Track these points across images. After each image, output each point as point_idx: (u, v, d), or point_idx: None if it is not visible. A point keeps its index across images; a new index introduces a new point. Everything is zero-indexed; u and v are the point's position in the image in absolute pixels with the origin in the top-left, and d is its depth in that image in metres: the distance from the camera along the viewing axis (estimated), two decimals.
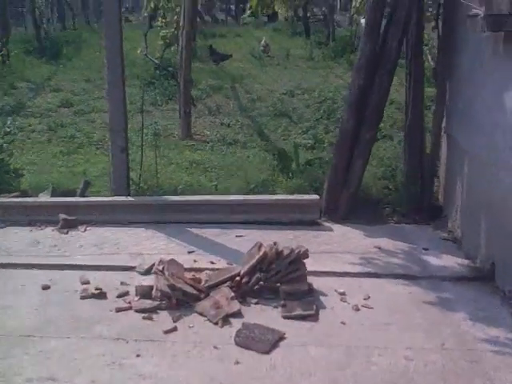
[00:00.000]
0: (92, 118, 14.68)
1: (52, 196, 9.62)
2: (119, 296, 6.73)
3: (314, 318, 6.38)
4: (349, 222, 9.29)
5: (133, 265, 7.57)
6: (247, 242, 8.25)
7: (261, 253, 6.76)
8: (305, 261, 7.01)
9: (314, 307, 6.43)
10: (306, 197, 9.41)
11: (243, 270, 6.78)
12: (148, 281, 6.90)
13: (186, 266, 7.40)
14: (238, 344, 5.76)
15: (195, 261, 7.75)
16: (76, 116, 15.03)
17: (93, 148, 12.72)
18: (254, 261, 6.75)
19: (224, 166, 11.17)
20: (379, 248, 8.30)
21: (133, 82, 15.80)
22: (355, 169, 9.29)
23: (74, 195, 9.62)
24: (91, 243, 8.34)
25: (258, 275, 6.69)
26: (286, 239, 8.37)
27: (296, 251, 6.77)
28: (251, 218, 9.18)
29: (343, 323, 6.26)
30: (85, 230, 8.78)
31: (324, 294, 6.85)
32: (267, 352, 5.68)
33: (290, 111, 15.22)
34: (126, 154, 9.56)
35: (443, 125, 9.52)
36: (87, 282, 7.01)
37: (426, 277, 7.46)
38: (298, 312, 6.35)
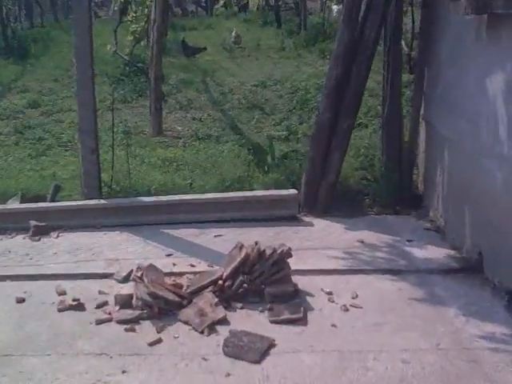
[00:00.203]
0: (60, 118, 14.21)
1: (21, 202, 9.21)
2: (98, 306, 6.39)
3: (302, 321, 6.09)
4: (329, 216, 9.03)
5: (110, 272, 7.21)
6: (226, 241, 7.99)
7: (242, 254, 6.46)
8: (288, 260, 6.67)
9: (302, 310, 6.15)
10: (283, 192, 9.10)
11: (225, 273, 6.47)
12: (127, 288, 6.56)
13: (165, 270, 7.06)
14: (226, 354, 5.46)
15: (174, 264, 7.41)
16: (44, 117, 14.55)
17: (62, 150, 12.28)
18: (235, 263, 6.44)
19: (198, 163, 10.84)
20: (362, 242, 8.04)
21: (102, 79, 15.39)
22: (333, 160, 9.02)
23: (44, 200, 9.21)
24: (65, 250, 7.96)
25: (241, 278, 6.42)
26: (266, 237, 8.07)
27: (279, 251, 6.46)
28: (229, 216, 8.89)
29: (334, 326, 6.00)
30: (57, 237, 8.39)
31: (311, 295, 6.56)
32: (258, 361, 5.40)
33: (263, 103, 14.92)
34: (96, 156, 9.19)
35: (421, 112, 9.22)
36: (64, 293, 6.65)
37: (413, 271, 7.23)
38: (286, 316, 6.07)
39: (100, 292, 6.69)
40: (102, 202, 8.99)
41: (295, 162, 10.45)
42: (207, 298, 6.21)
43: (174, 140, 12.83)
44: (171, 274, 7.13)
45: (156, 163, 11.04)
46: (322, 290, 6.68)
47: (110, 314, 6.22)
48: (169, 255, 7.74)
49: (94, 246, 8.05)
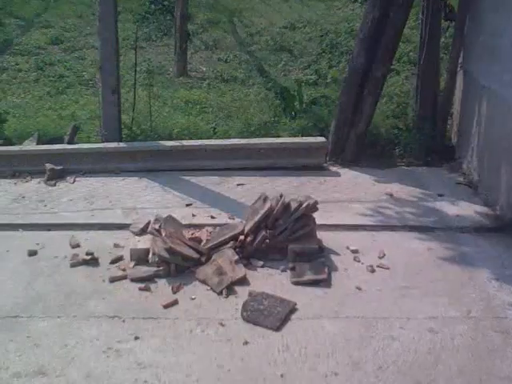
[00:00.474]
0: (83, 55, 13.71)
1: (38, 143, 8.82)
2: (113, 262, 6.04)
3: (326, 282, 5.70)
4: (357, 166, 8.62)
5: (126, 222, 6.85)
6: (249, 191, 7.65)
7: (266, 207, 6.01)
8: (313, 214, 6.30)
9: (326, 270, 5.70)
10: (311, 139, 8.63)
11: (247, 227, 6.05)
12: (143, 242, 6.20)
13: (184, 221, 6.69)
14: (245, 319, 5.10)
15: (194, 215, 7.01)
16: (66, 54, 14.02)
17: (82, 88, 11.80)
18: (258, 217, 6.01)
19: (222, 107, 10.33)
20: (391, 195, 7.58)
21: (126, 16, 14.76)
22: (365, 107, 8.54)
23: (61, 142, 8.78)
24: (81, 197, 7.60)
25: (263, 233, 6.01)
26: (291, 187, 7.71)
27: (304, 205, 6.02)
28: (253, 163, 8.47)
29: (358, 288, 5.59)
30: (73, 182, 8.02)
31: (335, 253, 6.14)
32: (278, 328, 5.03)
33: (291, 45, 14.25)
34: (117, 96, 8.77)
35: (460, 60, 8.60)
36: (77, 246, 6.31)
37: (443, 228, 6.81)
38: (309, 277, 5.66)
39: (115, 245, 6.34)
40: (122, 145, 8.59)
41: (324, 108, 9.93)
42: (227, 255, 5.80)
43: (199, 81, 12.31)
44: (190, 225, 6.74)
45: (179, 105, 10.59)
46: (347, 247, 6.27)
47: (124, 270, 5.86)
48: (188, 205, 7.34)
49: (111, 193, 7.68)
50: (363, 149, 8.77)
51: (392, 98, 10.20)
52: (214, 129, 9.17)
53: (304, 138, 8.75)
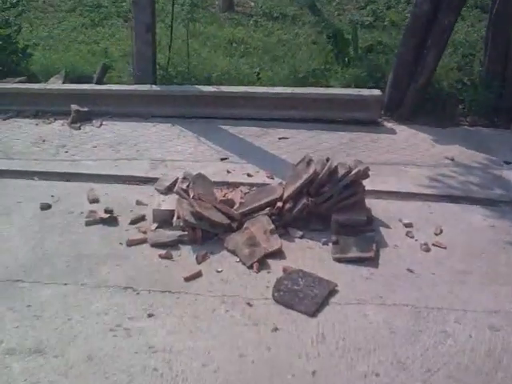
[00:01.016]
0: None
1: (64, 82, 8.36)
2: (133, 222, 5.60)
3: (373, 261, 5.16)
4: (415, 123, 8.01)
5: (153, 176, 6.42)
6: (292, 146, 7.20)
7: (310, 171, 5.48)
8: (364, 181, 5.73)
9: (374, 247, 5.13)
10: (365, 91, 8.02)
11: (286, 192, 5.53)
12: (169, 202, 5.76)
13: (216, 178, 6.24)
14: (277, 301, 4.61)
15: (228, 172, 6.55)
16: None
17: (121, 21, 11.21)
18: (300, 181, 5.49)
19: (269, 49, 9.62)
20: (452, 160, 6.99)
21: None
22: (427, 60, 7.89)
23: (90, 81, 8.28)
24: (106, 143, 7.18)
25: (304, 201, 5.46)
26: (339, 144, 7.26)
27: (354, 171, 5.50)
28: (298, 114, 7.95)
29: (410, 271, 5.04)
30: (100, 125, 7.57)
31: (386, 226, 5.61)
32: (314, 314, 4.52)
33: None
34: (152, 34, 8.22)
35: None
36: (96, 201, 5.88)
37: (509, 202, 6.21)
38: (354, 254, 5.14)
39: (138, 202, 5.89)
40: (155, 87, 8.11)
41: (381, 56, 9.20)
42: (261, 223, 5.30)
43: (245, 17, 11.72)
44: (223, 184, 6.28)
45: (221, 44, 9.95)
46: (399, 220, 5.72)
47: (145, 232, 5.42)
48: (224, 159, 6.88)
49: (139, 141, 7.24)
50: (423, 104, 8.12)
51: (456, 48, 9.37)
52: (258, 74, 8.62)
53: (357, 89, 8.17)
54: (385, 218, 5.71)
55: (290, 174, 5.77)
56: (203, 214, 5.22)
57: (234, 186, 6.22)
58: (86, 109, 7.73)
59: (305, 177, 5.47)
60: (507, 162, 6.90)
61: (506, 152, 7.14)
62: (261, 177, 6.44)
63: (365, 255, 5.10)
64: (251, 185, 6.22)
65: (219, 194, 5.89)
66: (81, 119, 7.61)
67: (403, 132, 7.70)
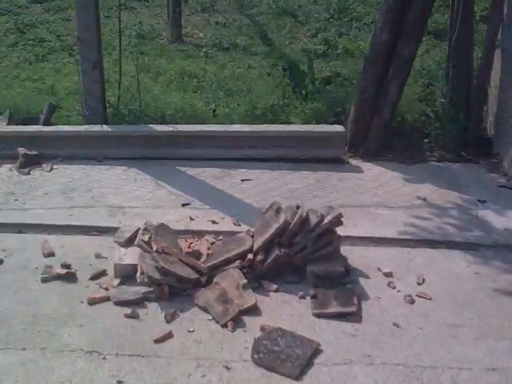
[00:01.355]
0: (69, 15, 12.79)
1: (9, 124, 7.92)
2: (93, 277, 5.30)
3: (356, 316, 4.91)
4: (381, 160, 7.90)
5: (111, 225, 6.12)
6: (256, 189, 7.02)
7: (280, 220, 5.24)
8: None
9: (355, 300, 4.89)
10: (328, 128, 7.88)
11: (257, 243, 5.29)
12: (131, 255, 5.43)
13: (179, 227, 5.97)
14: (257, 364, 4.37)
15: (192, 219, 6.28)
16: (50, 14, 13.17)
17: (66, 55, 10.87)
18: (271, 231, 5.25)
19: (223, 83, 9.38)
20: (424, 200, 6.89)
21: None
22: (390, 91, 7.78)
23: (36, 122, 7.90)
24: (58, 190, 6.88)
25: (277, 252, 5.24)
26: (305, 185, 7.10)
27: (327, 220, 5.26)
28: (259, 153, 7.76)
29: (396, 325, 4.85)
30: (51, 170, 7.24)
31: (365, 276, 5.44)
32: (298, 377, 4.25)
33: (295, 9, 13.44)
34: (99, 71, 7.96)
35: (498, 37, 7.95)
36: (51, 254, 5.56)
37: (490, 246, 6.07)
38: (335, 309, 4.93)
39: (97, 255, 5.59)
40: (106, 128, 7.79)
41: (340, 89, 9.02)
42: (232, 277, 5.04)
43: (195, 49, 11.57)
44: (187, 232, 5.96)
45: (172, 79, 9.69)
46: (379, 269, 5.55)
47: (107, 289, 5.08)
48: (185, 204, 6.62)
49: (93, 186, 6.93)
50: (388, 139, 7.94)
51: (415, 77, 9.29)
52: (214, 111, 8.35)
53: (319, 125, 8.01)
54: (362, 266, 5.53)
55: (259, 222, 5.53)
56: (169, 269, 4.97)
57: (199, 234, 5.95)
58: (34, 152, 7.42)
59: (275, 226, 5.25)
60: (481, 201, 6.79)
61: (478, 190, 7.06)
62: (227, 224, 6.19)
63: (347, 310, 4.89)
64: (217, 233, 5.96)
65: (184, 244, 5.61)
66: (29, 163, 7.29)
67: (370, 170, 7.54)
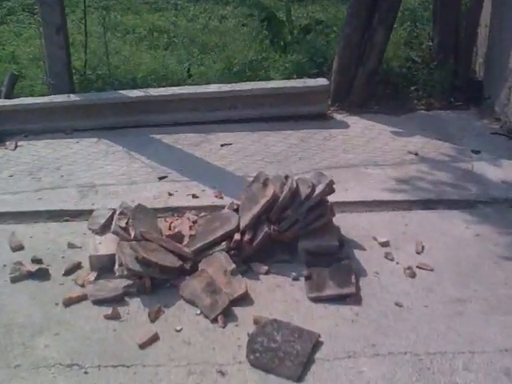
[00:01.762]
0: None
1: None
2: (67, 272, 4.83)
3: (355, 297, 4.42)
4: (367, 112, 7.40)
5: (83, 208, 5.64)
6: (238, 154, 6.56)
7: (268, 194, 4.78)
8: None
9: (353, 279, 4.45)
10: (310, 82, 7.36)
11: (243, 220, 4.83)
12: (107, 244, 4.94)
13: (158, 204, 5.52)
14: (253, 365, 3.93)
15: (170, 194, 5.79)
16: None
17: (27, 16, 10.15)
18: (259, 207, 4.79)
19: (196, 38, 8.76)
20: (416, 154, 6.45)
21: None
22: (376, 38, 7.24)
23: None
24: (25, 170, 6.38)
25: (266, 229, 4.78)
26: (288, 146, 6.65)
27: (319, 190, 4.76)
28: (238, 115, 7.30)
29: (399, 305, 4.43)
30: (15, 148, 6.73)
31: (360, 247, 5.01)
32: (300, 378, 3.80)
33: None
34: (63, 35, 7.30)
35: None
36: (20, 247, 5.07)
37: (489, 202, 5.68)
38: (332, 291, 4.51)
39: (70, 245, 5.10)
40: (73, 97, 7.22)
41: (321, 37, 8.41)
42: (219, 263, 4.59)
43: (163, 0, 10.63)
44: (166, 210, 5.47)
45: (142, 36, 9.05)
46: (374, 238, 5.11)
47: (83, 285, 4.54)
48: (162, 178, 6.12)
49: (62, 163, 6.42)
50: (373, 90, 7.41)
51: (399, 20, 8.69)
52: (188, 70, 7.76)
53: (302, 80, 7.44)
54: (356, 236, 5.08)
55: (244, 196, 5.04)
56: (150, 259, 4.49)
57: (179, 212, 5.43)
58: None
59: (263, 201, 4.77)
60: (475, 152, 6.39)
61: (471, 139, 6.66)
62: (208, 197, 5.73)
63: (345, 291, 4.45)
64: (199, 209, 5.50)
65: (164, 225, 5.13)
66: None
67: (356, 124, 7.09)
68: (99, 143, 6.83)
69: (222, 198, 5.66)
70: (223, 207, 5.38)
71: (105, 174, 6.22)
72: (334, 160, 6.32)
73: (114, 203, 5.50)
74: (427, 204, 5.56)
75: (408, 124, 7.05)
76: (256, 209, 4.78)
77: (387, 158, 6.33)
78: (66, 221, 5.50)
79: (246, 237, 4.75)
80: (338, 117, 7.29)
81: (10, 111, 7.11)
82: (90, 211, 5.46)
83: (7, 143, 6.81)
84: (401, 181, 5.88)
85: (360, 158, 6.35)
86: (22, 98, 7.39)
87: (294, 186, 4.82)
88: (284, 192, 4.78)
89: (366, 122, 7.18)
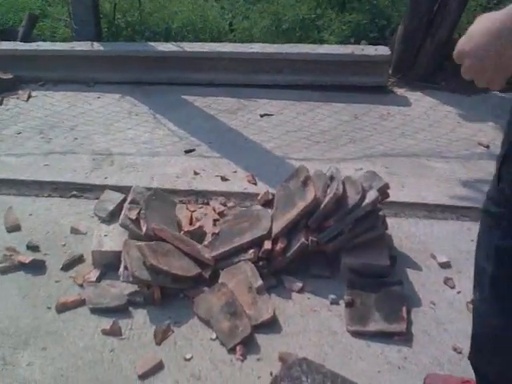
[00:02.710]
0: None
1: None
2: (66, 267, 4.22)
3: (405, 336, 3.76)
4: (432, 88, 6.55)
5: (93, 182, 5.00)
6: (279, 128, 5.87)
7: (308, 198, 4.03)
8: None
9: (405, 312, 3.66)
10: (370, 50, 6.54)
11: (276, 226, 4.17)
12: (114, 237, 4.20)
13: (180, 186, 4.88)
14: None
15: (196, 173, 5.07)
16: None
17: None
18: (295, 212, 4.08)
19: None
20: (487, 147, 5.68)
21: None
22: (451, 5, 6.33)
23: (13, 38, 6.55)
24: (35, 126, 5.77)
25: (303, 239, 4.08)
26: (339, 123, 6.00)
27: (370, 198, 4.00)
28: (284, 80, 6.61)
29: (457, 351, 3.74)
30: (28, 98, 6.06)
31: (415, 267, 4.34)
32: None
33: None
34: None
35: None
36: (16, 228, 4.46)
37: None
38: (378, 326, 3.75)
39: (73, 230, 4.47)
40: (98, 46, 6.56)
41: None
42: (244, 276, 3.94)
43: None
44: (190, 193, 4.86)
45: None
46: (432, 256, 4.39)
47: (82, 285, 3.87)
48: (189, 151, 5.41)
49: (78, 122, 5.81)
50: (442, 63, 6.53)
51: None
52: (231, 24, 6.93)
53: (359, 47, 6.69)
54: (411, 251, 4.36)
55: (280, 193, 4.29)
56: (160, 267, 3.76)
57: (205, 197, 4.69)
58: (9, 76, 6.14)
59: (301, 206, 4.02)
60: None
61: None
62: (239, 180, 5.04)
63: (393, 328, 3.73)
64: (227, 195, 4.83)
65: (184, 215, 4.40)
66: (3, 90, 6.04)
67: (419, 102, 6.29)
68: (122, 101, 6.12)
69: (255, 183, 4.97)
70: (256, 195, 4.66)
71: (125, 140, 5.55)
72: (390, 145, 5.57)
73: (131, 179, 4.89)
74: None
75: (479, 107, 6.23)
76: (293, 213, 4.07)
77: (453, 148, 5.53)
78: (73, 196, 4.80)
79: (279, 245, 4.07)
80: (399, 91, 6.49)
81: (26, 56, 6.44)
82: (102, 187, 4.82)
83: (20, 92, 6.18)
84: (469, 181, 5.11)
85: (422, 146, 5.60)
86: (39, 43, 6.73)
87: (341, 190, 4.05)
88: (328, 197, 4.04)
89: (430, 100, 6.37)
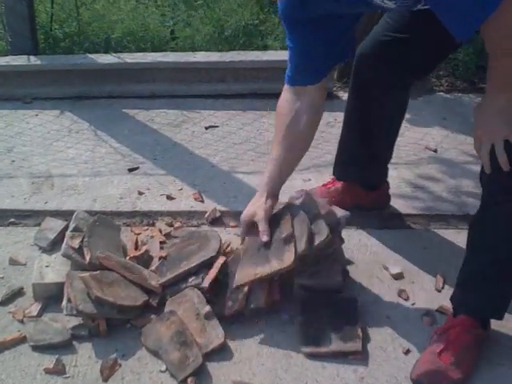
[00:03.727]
0: None
1: None
2: (4, 302, 4.04)
3: (361, 355, 3.60)
4: None
5: (32, 207, 4.82)
6: (225, 141, 5.81)
7: (286, 261, 3.85)
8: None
9: (360, 332, 3.54)
10: None
11: (240, 276, 3.92)
12: (56, 268, 4.09)
13: (124, 207, 4.72)
14: None
15: (140, 193, 4.83)
16: None
17: None
18: (266, 271, 3.86)
19: None
20: (434, 151, 5.77)
21: None
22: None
23: None
24: None
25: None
26: None
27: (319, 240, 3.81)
28: (228, 89, 6.50)
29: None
30: None
31: (368, 280, 4.30)
32: None
33: None
34: None
35: None
36: None
37: None
38: (332, 348, 3.59)
39: (12, 261, 4.24)
40: (34, 60, 6.29)
41: None
42: (191, 303, 3.77)
43: None
44: (135, 215, 4.69)
45: None
46: (385, 267, 4.33)
47: (22, 321, 3.67)
48: (132, 169, 5.16)
49: (16, 143, 5.64)
50: None
51: None
52: (172, 33, 6.73)
53: None
54: (363, 262, 4.32)
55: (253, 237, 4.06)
56: (106, 298, 3.57)
57: (149, 218, 4.54)
58: None
59: (274, 268, 3.79)
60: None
61: None
62: (186, 199, 4.91)
63: (348, 348, 3.59)
64: (174, 215, 4.65)
65: (129, 239, 4.24)
66: None
67: None
68: (62, 117, 5.94)
69: (202, 200, 4.81)
70: (204, 213, 4.53)
71: (65, 160, 5.36)
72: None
73: (72, 202, 4.69)
74: (448, 220, 4.67)
75: (426, 110, 6.18)
76: (264, 270, 3.83)
77: (401, 154, 5.47)
78: (12, 224, 4.57)
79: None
80: (345, 96, 6.34)
81: None
82: (42, 212, 4.62)
83: None
84: (417, 187, 5.04)
85: None
86: None
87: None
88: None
89: None
